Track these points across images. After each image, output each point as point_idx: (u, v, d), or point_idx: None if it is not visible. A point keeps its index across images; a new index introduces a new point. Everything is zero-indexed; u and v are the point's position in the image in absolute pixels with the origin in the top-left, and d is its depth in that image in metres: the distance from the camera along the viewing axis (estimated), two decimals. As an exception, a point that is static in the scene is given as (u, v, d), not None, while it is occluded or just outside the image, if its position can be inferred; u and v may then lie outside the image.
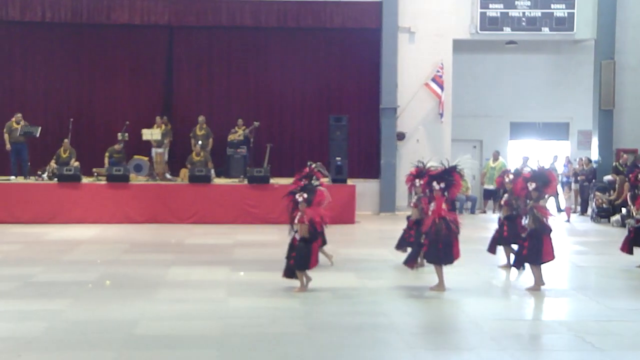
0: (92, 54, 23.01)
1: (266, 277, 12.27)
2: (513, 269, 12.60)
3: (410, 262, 12.52)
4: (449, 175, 11.38)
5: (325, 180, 11.34)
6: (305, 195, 11.04)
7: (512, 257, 13.05)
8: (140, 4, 22.44)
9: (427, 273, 11.98)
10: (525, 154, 23.84)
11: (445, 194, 11.33)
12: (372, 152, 23.16)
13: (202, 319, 9.75)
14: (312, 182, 11.55)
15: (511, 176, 13.41)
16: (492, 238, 13.61)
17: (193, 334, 9.01)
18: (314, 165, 13.14)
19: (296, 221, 11.11)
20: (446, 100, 22.83)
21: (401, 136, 22.98)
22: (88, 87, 23.03)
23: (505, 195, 13.45)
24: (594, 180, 22.54)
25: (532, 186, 11.47)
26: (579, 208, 22.91)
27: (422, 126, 23.10)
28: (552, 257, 11.58)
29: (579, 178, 22.91)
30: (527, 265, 11.81)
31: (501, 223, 13.36)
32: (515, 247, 13.05)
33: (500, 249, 13.49)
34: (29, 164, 20.59)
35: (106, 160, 20.72)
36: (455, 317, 10.31)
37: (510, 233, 13.14)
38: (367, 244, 16.79)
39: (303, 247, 11.09)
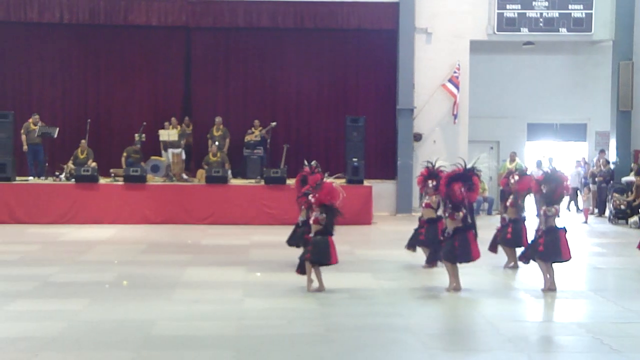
0: (110, 55, 23.11)
1: (282, 277, 12.27)
2: (521, 269, 12.47)
3: (431, 262, 12.51)
4: (469, 179, 11.28)
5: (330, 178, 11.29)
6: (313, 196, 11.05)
7: (516, 258, 13.05)
8: (157, 5, 22.52)
9: (442, 274, 11.94)
10: (538, 157, 23.75)
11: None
12: (389, 153, 23.13)
13: (218, 319, 9.77)
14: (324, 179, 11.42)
15: (517, 177, 13.37)
16: (493, 237, 13.57)
17: (210, 334, 9.03)
18: (313, 164, 13.14)
19: (311, 222, 11.10)
20: (463, 101, 22.79)
21: (418, 137, 22.95)
22: (105, 88, 23.13)
23: (511, 197, 13.40)
24: (611, 182, 22.42)
25: (545, 189, 11.43)
26: (596, 209, 22.79)
27: (439, 127, 23.06)
28: (569, 256, 11.50)
29: (597, 179, 22.79)
30: (533, 261, 11.71)
31: (506, 224, 13.32)
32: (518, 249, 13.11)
33: (501, 249, 13.45)
34: (47, 164, 20.71)
35: (123, 161, 20.81)
36: (471, 318, 10.28)
37: (514, 236, 13.14)
38: (383, 245, 16.77)
39: (320, 240, 11.04)
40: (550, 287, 11.45)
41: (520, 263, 12.84)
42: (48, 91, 22.96)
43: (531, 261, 11.90)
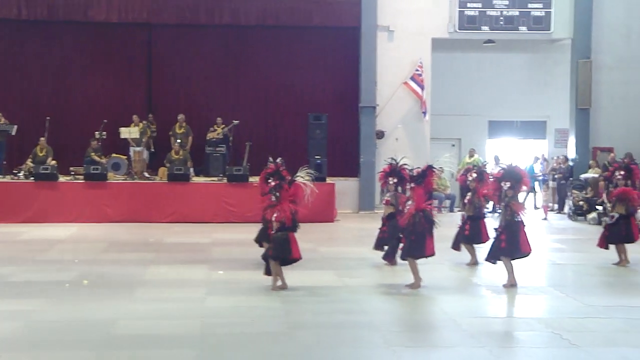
0: (69, 51, 22.88)
1: (245, 275, 12.25)
2: (486, 263, 12.59)
3: (390, 257, 12.55)
4: (423, 174, 11.53)
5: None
6: (277, 194, 11.00)
7: (476, 254, 13.22)
8: (118, 2, 22.31)
9: (404, 271, 12.00)
10: (496, 153, 23.99)
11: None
12: (352, 151, 23.18)
13: (181, 318, 9.70)
14: (295, 177, 11.39)
15: (474, 174, 13.50)
16: (456, 235, 13.70)
17: (172, 333, 8.98)
18: (279, 161, 13.11)
19: (273, 219, 11.07)
20: (426, 99, 22.91)
21: (380, 135, 23.03)
22: (65, 85, 22.89)
23: (469, 194, 13.53)
24: (571, 178, 22.70)
25: (506, 185, 11.53)
26: (556, 206, 23.06)
27: (401, 125, 23.17)
28: (529, 249, 11.65)
29: (556, 176, 23.05)
30: (499, 260, 11.82)
31: (464, 222, 13.46)
32: (477, 246, 13.28)
33: (463, 247, 13.59)
34: (5, 162, 20.43)
35: (94, 157, 20.56)
36: (433, 314, 10.35)
37: (472, 233, 13.30)
38: (346, 242, 16.82)
39: (280, 235, 11.00)
40: (511, 283, 11.57)
41: (483, 260, 12.93)
42: (7, 88, 22.63)
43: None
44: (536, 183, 23.82)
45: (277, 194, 10.95)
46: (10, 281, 11.94)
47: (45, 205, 19.20)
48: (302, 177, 11.10)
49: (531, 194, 23.10)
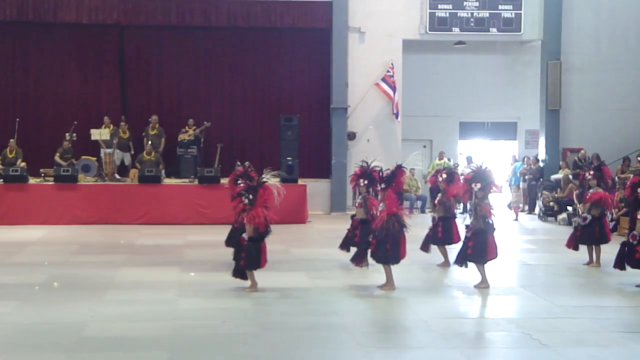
0: (39, 53, 22.69)
1: (217, 277, 12.22)
2: (455, 266, 12.67)
3: (357, 260, 12.58)
4: (393, 174, 11.62)
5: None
6: (251, 197, 11.00)
7: (449, 255, 13.32)
8: (88, 2, 22.15)
9: (376, 272, 12.04)
10: (468, 153, 24.13)
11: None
12: (323, 152, 23.20)
13: (152, 320, 9.68)
14: (260, 179, 11.39)
15: (444, 175, 13.58)
16: (425, 236, 13.76)
17: (143, 335, 8.94)
18: (247, 164, 13.13)
19: (245, 222, 11.08)
20: (397, 100, 22.99)
21: (352, 136, 23.08)
22: (35, 86, 22.69)
23: (439, 195, 13.61)
24: (541, 179, 22.88)
25: (477, 186, 11.60)
26: (526, 207, 23.23)
27: (373, 126, 23.22)
28: (495, 256, 11.75)
29: (526, 177, 23.23)
30: (469, 263, 11.91)
31: (436, 224, 13.53)
32: (449, 247, 13.39)
33: (434, 248, 13.65)
34: (-26, 165, 20.24)
35: (59, 160, 20.41)
36: (404, 315, 10.39)
37: (444, 234, 13.39)
38: (318, 244, 16.83)
39: (252, 247, 11.07)
40: (483, 285, 11.66)
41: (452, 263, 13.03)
42: (-25, 89, 22.43)
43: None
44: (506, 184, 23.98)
45: (250, 197, 10.93)
46: (-22, 284, 11.83)
47: (14, 207, 19.04)
48: (269, 178, 11.10)
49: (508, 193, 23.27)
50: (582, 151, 22.51)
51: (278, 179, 11.19)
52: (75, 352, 8.29)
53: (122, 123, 21.59)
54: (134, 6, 22.44)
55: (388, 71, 22.84)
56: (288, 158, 20.64)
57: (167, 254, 14.96)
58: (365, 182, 12.77)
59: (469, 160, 21.70)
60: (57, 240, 16.76)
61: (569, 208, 20.02)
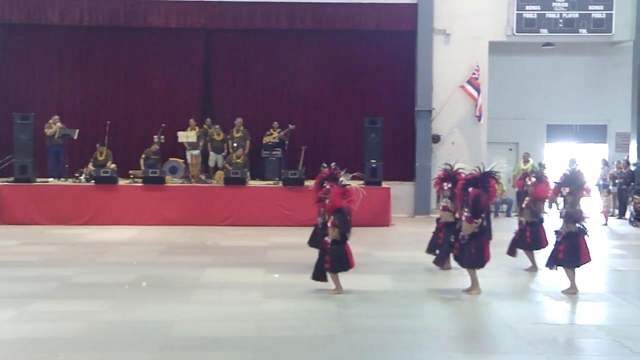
0: (130, 57, 23.19)
1: (301, 279, 12.25)
2: (545, 269, 12.41)
3: (440, 262, 12.46)
4: (485, 182, 11.31)
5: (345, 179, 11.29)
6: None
7: (536, 260, 13.06)
8: (176, 7, 22.56)
9: (460, 275, 11.92)
10: (572, 156, 23.56)
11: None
12: (407, 155, 23.08)
13: (237, 321, 9.79)
14: (340, 182, 11.40)
15: (533, 179, 13.32)
16: (512, 240, 13.52)
17: (228, 335, 9.06)
18: (333, 165, 13.12)
19: (328, 224, 11.11)
20: (482, 103, 22.72)
21: (436, 139, 22.90)
22: (125, 90, 23.21)
23: (527, 199, 13.34)
24: (632, 183, 22.27)
25: (566, 190, 11.37)
26: (617, 211, 22.65)
27: (458, 129, 22.99)
28: (589, 259, 11.48)
29: (617, 181, 22.65)
30: (559, 267, 11.65)
31: (523, 228, 13.27)
32: (537, 251, 13.16)
33: (520, 252, 13.40)
34: (67, 166, 20.82)
35: (142, 163, 20.91)
36: (490, 320, 10.25)
37: (533, 239, 13.14)
38: (401, 247, 16.75)
39: (337, 249, 11.07)
40: (571, 290, 11.40)
41: (542, 266, 12.77)
42: (68, 93, 23.03)
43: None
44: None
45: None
46: (71, 282, 12.17)
47: (105, 208, 19.51)
48: (348, 181, 11.13)
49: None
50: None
51: (360, 182, 11.18)
52: (162, 350, 8.45)
53: (217, 126, 21.92)
54: (221, 10, 22.75)
55: (474, 73, 22.60)
56: (372, 161, 20.59)
57: (251, 255, 15.11)
58: (449, 185, 12.63)
59: (572, 162, 21.20)
60: (145, 240, 17.12)
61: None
